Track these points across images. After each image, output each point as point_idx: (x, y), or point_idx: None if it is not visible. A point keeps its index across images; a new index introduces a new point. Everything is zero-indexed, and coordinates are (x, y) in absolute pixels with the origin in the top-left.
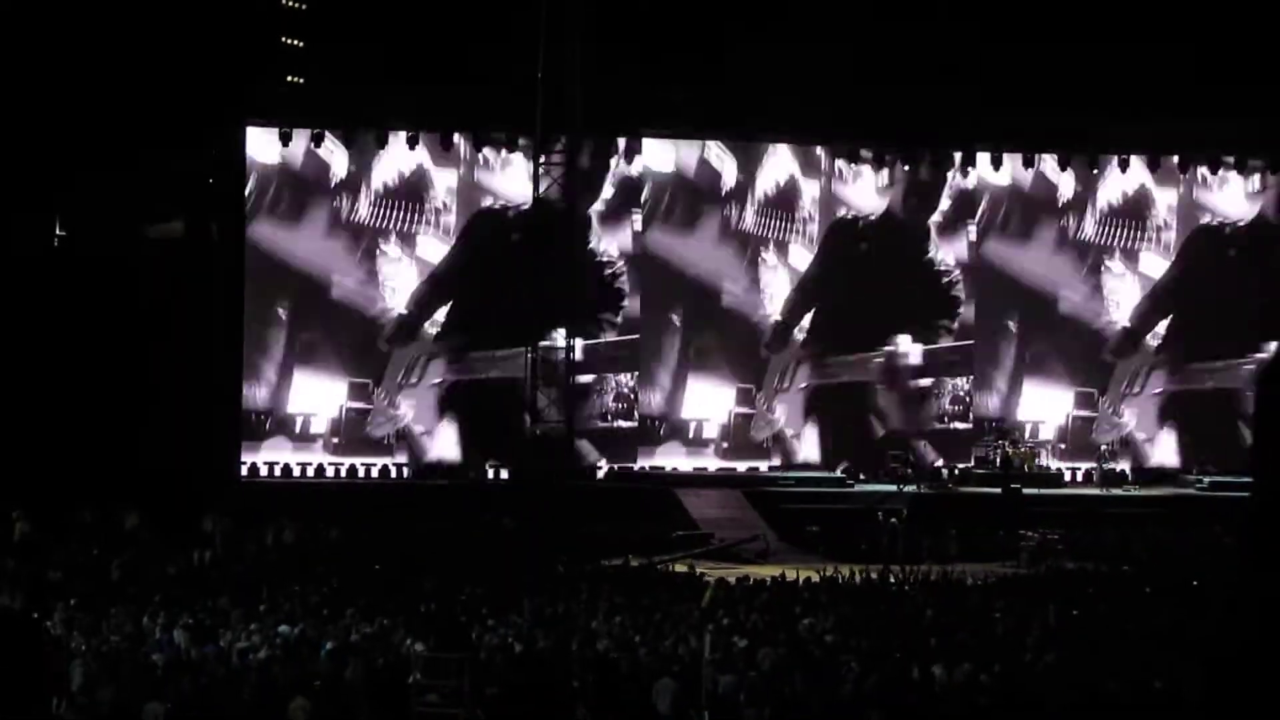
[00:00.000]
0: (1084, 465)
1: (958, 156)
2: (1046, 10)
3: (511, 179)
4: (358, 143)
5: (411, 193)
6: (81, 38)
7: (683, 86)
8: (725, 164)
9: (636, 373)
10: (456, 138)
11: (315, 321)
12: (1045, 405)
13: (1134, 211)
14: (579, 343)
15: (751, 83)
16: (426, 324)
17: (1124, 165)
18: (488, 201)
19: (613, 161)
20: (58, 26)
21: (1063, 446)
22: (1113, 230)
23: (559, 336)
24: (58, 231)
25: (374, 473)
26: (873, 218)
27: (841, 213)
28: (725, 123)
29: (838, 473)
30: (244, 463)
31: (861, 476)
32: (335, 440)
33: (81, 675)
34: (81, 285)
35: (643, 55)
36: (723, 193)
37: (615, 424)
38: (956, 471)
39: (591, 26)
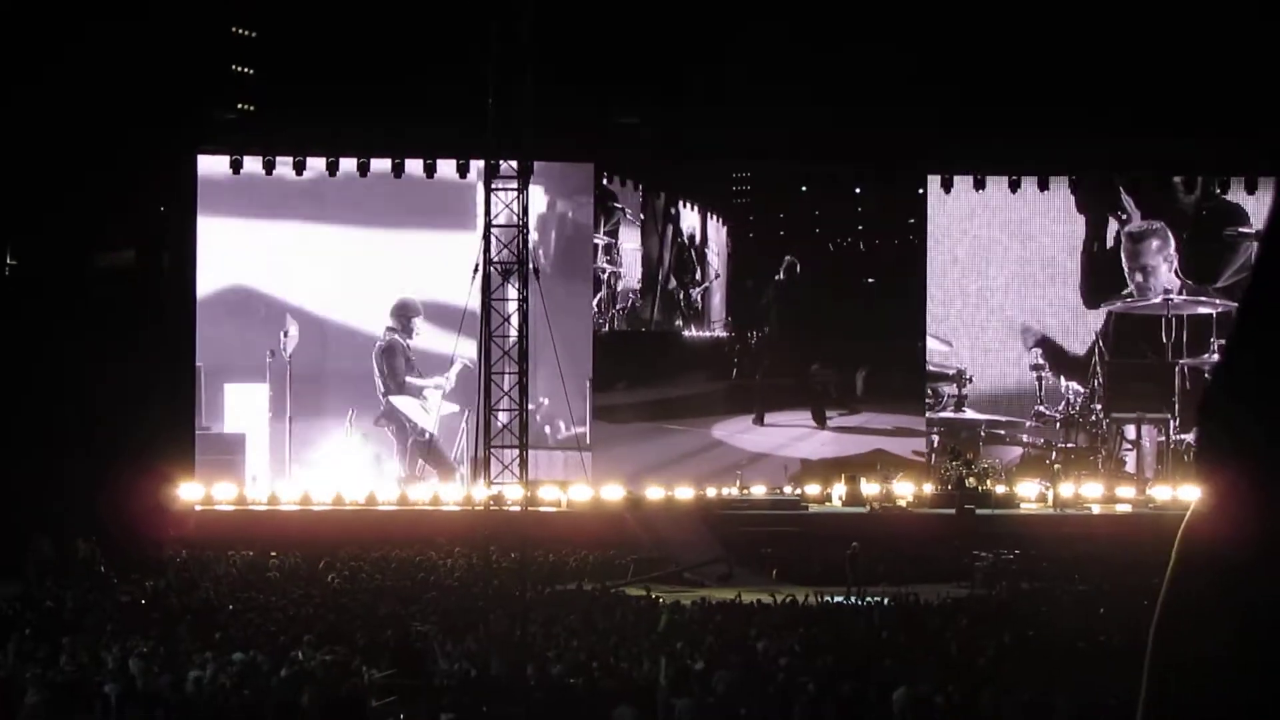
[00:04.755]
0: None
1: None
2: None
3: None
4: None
5: None
6: (31, 67)
7: (639, 113)
8: None
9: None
10: (407, 164)
11: None
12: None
13: None
14: None
15: (708, 109)
16: None
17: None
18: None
19: None
20: (6, 55)
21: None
22: None
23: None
24: (9, 260)
25: (327, 499)
26: None
27: None
28: (681, 149)
29: (792, 494)
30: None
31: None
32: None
33: (38, 706)
34: (33, 313)
35: (598, 82)
36: None
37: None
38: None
39: (545, 53)
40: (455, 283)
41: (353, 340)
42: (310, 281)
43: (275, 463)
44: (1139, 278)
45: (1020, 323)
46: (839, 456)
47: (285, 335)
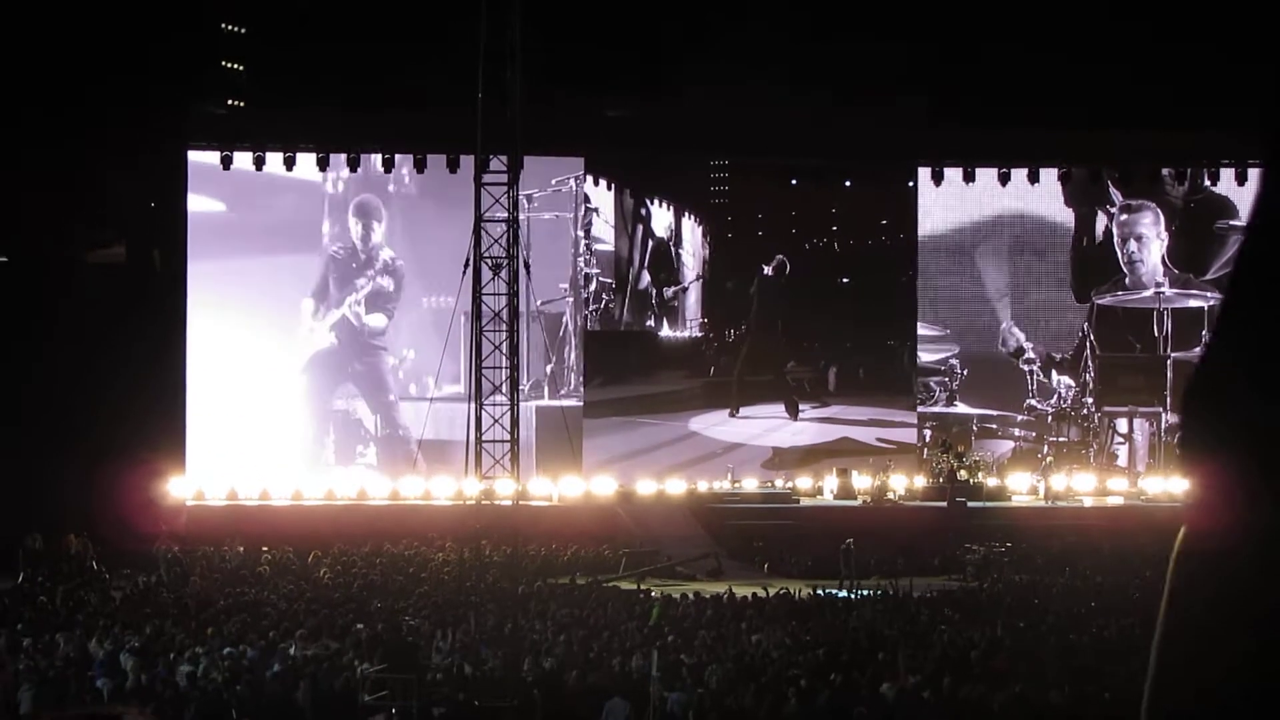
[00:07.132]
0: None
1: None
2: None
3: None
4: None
5: None
6: (21, 62)
7: (626, 105)
8: None
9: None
10: (397, 159)
11: None
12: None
13: None
14: None
15: (695, 103)
16: None
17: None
18: None
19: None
20: None
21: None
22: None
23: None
24: None
25: (319, 494)
26: None
27: None
28: (668, 142)
29: (783, 488)
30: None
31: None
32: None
33: (30, 701)
34: (23, 310)
35: (586, 75)
36: None
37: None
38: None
39: (533, 45)
40: None
41: None
42: None
43: None
44: (1133, 249)
45: (1011, 316)
46: (812, 445)
47: None
